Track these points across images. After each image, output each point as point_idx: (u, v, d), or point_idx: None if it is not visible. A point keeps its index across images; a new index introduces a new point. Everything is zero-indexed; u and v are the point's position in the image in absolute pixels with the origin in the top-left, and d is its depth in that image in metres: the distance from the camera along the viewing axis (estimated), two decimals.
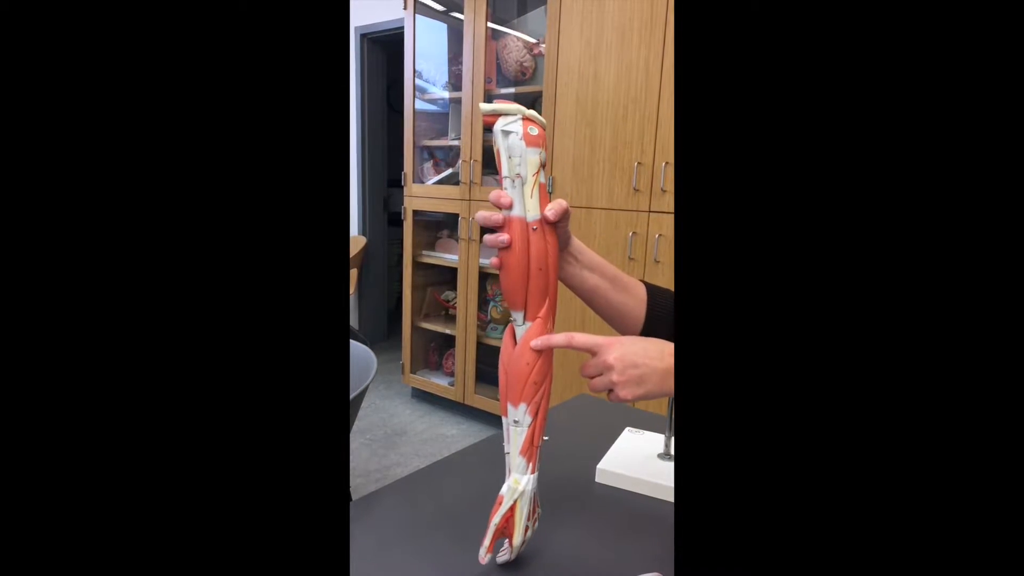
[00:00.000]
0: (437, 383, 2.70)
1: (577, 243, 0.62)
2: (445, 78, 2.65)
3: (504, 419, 0.58)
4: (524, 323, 0.56)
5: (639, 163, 1.85)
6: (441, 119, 2.73)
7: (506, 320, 2.54)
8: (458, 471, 0.83)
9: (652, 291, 0.68)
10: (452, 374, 2.67)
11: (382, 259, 3.67)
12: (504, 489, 0.58)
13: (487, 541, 0.59)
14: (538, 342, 0.55)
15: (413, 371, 2.79)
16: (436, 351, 2.88)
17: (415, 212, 2.63)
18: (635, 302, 0.66)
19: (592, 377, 0.57)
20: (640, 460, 0.84)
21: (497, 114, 0.53)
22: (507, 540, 0.60)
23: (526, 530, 0.60)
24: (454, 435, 2.50)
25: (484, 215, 0.54)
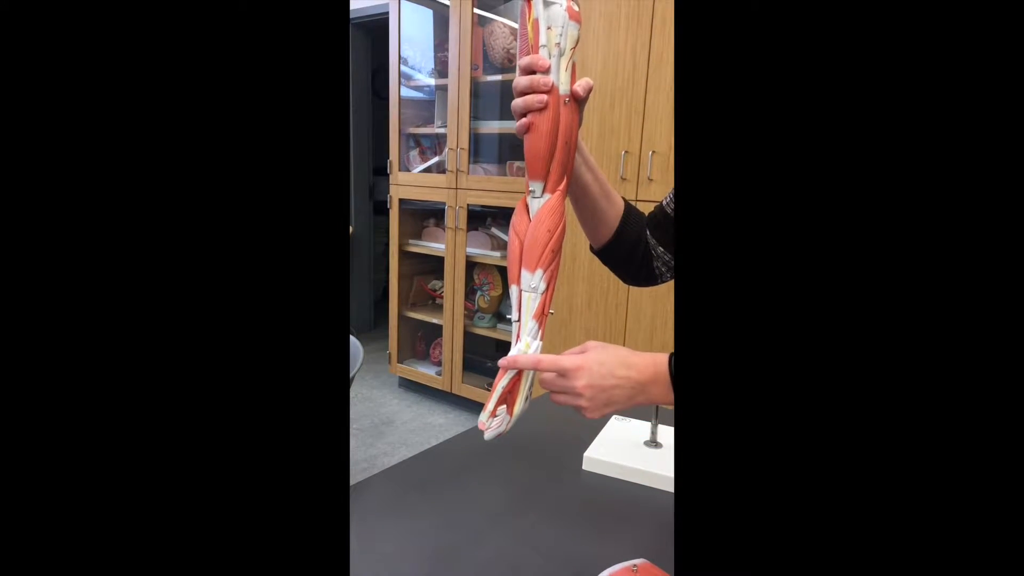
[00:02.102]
0: (424, 372, 2.69)
1: (581, 141, 0.63)
2: (431, 65, 2.62)
3: (514, 288, 0.59)
4: (543, 195, 0.57)
5: (626, 151, 1.84)
6: (427, 106, 2.70)
7: (493, 309, 2.54)
8: (446, 459, 0.83)
9: (628, 209, 0.71)
10: (439, 363, 2.67)
11: (368, 248, 3.64)
12: (512, 354, 0.59)
13: (490, 405, 0.59)
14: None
15: (400, 360, 2.78)
16: (423, 340, 2.88)
17: (401, 201, 2.61)
18: (613, 212, 0.70)
19: (556, 393, 0.58)
20: (627, 448, 0.84)
21: None
22: (504, 411, 0.60)
23: (526, 399, 0.60)
24: (442, 424, 2.50)
25: (527, 78, 0.54)
